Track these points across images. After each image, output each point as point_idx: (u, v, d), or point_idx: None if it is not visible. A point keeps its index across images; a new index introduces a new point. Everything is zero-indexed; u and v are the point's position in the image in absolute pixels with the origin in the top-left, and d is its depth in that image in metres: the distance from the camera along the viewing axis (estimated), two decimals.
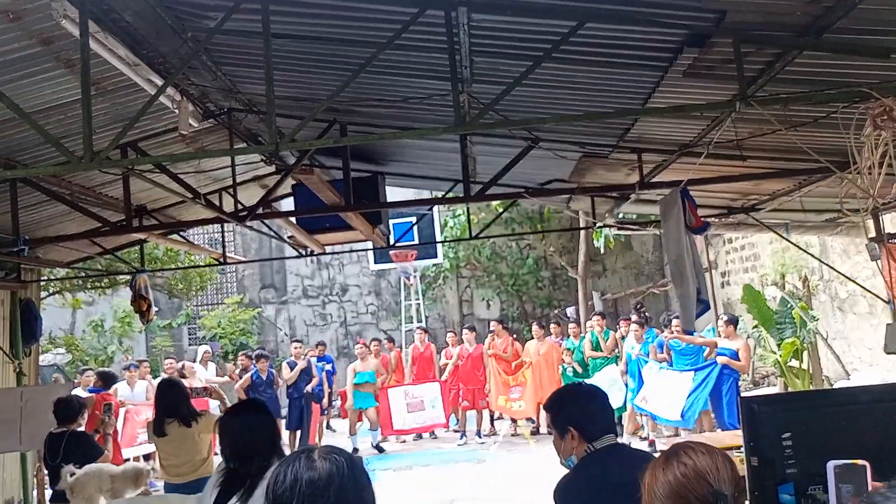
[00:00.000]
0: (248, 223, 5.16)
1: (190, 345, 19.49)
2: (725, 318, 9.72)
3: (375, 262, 15.74)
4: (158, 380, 11.17)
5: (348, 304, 20.12)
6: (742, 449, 4.90)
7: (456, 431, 12.36)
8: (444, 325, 19.12)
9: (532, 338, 12.78)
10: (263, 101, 5.01)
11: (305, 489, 1.40)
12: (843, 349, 11.23)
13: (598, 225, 7.00)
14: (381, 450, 11.48)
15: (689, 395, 8.93)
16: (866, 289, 6.55)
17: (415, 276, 16.32)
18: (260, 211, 5.23)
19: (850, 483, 1.49)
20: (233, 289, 19.99)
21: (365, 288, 20.16)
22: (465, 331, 12.84)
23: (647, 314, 13.31)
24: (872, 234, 6.71)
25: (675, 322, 10.03)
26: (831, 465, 1.51)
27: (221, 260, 7.32)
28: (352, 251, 19.05)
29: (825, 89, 3.43)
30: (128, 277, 8.20)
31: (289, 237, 6.54)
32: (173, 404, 4.81)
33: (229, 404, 4.94)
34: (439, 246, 15.71)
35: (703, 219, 4.42)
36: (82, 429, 5.43)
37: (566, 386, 3.05)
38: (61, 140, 4.42)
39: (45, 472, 5.89)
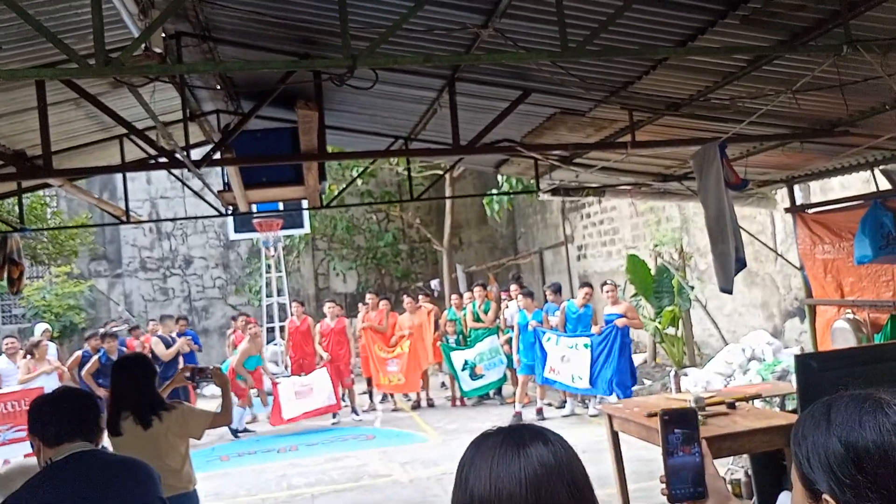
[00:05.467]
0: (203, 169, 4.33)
1: (4, 324, 17.05)
2: (610, 283, 9.95)
3: (236, 232, 14.66)
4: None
5: (193, 278, 18.62)
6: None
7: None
8: (298, 298, 18.27)
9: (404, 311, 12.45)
10: (227, 27, 4.25)
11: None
12: (705, 316, 12.12)
13: (542, 189, 6.85)
14: (235, 434, 10.61)
15: (595, 362, 9.13)
16: (780, 254, 6.95)
17: (276, 248, 15.38)
18: (217, 156, 4.40)
19: (680, 429, 1.36)
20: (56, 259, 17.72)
21: (212, 260, 18.76)
22: (327, 304, 12.13)
23: (523, 284, 13.50)
24: (787, 203, 7.19)
25: (586, 291, 10.20)
26: (660, 412, 1.40)
27: (123, 218, 6.20)
28: (195, 218, 17.68)
29: None
30: None
31: (219, 191, 5.69)
32: (128, 392, 3.69)
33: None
34: (306, 216, 14.91)
35: (741, 176, 4.37)
36: None
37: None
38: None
39: None
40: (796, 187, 7.09)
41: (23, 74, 2.69)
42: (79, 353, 10.06)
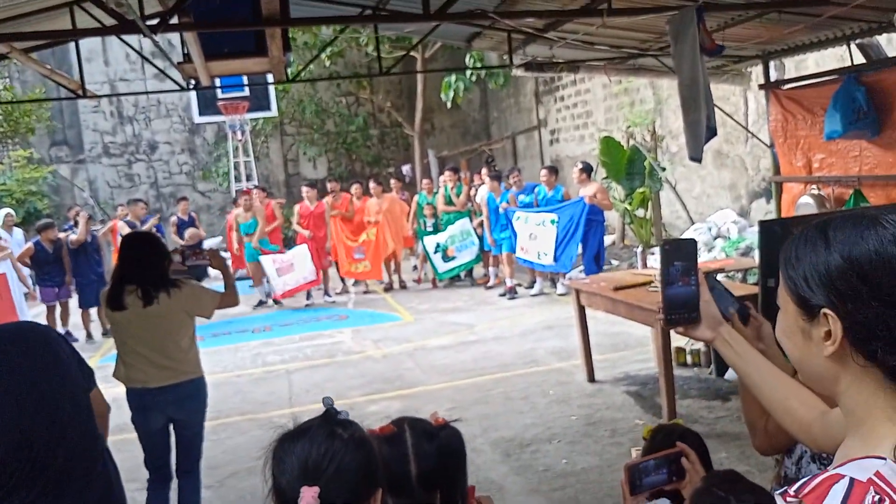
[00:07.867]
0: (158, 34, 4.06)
1: None
2: (580, 165, 9.82)
3: (201, 115, 14.22)
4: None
5: (158, 164, 18.23)
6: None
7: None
8: (268, 184, 18.05)
9: (370, 195, 12.35)
10: None
11: None
12: (674, 198, 12.24)
13: (515, 64, 6.65)
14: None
15: (560, 240, 9.24)
16: (753, 133, 6.93)
17: (244, 131, 15.01)
18: (174, 21, 4.12)
19: (680, 261, 1.43)
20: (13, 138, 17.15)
21: (177, 146, 18.31)
22: (305, 188, 12.05)
23: (496, 168, 13.47)
24: (761, 80, 7.10)
25: (543, 173, 10.22)
26: (661, 243, 1.45)
27: (80, 92, 5.89)
28: (156, 93, 17.13)
29: None
30: None
31: (179, 62, 5.42)
32: (134, 267, 3.50)
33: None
34: (273, 98, 14.47)
35: (717, 42, 4.25)
36: None
37: None
38: None
39: None
40: (771, 64, 6.98)
41: None
42: (30, 244, 9.83)
